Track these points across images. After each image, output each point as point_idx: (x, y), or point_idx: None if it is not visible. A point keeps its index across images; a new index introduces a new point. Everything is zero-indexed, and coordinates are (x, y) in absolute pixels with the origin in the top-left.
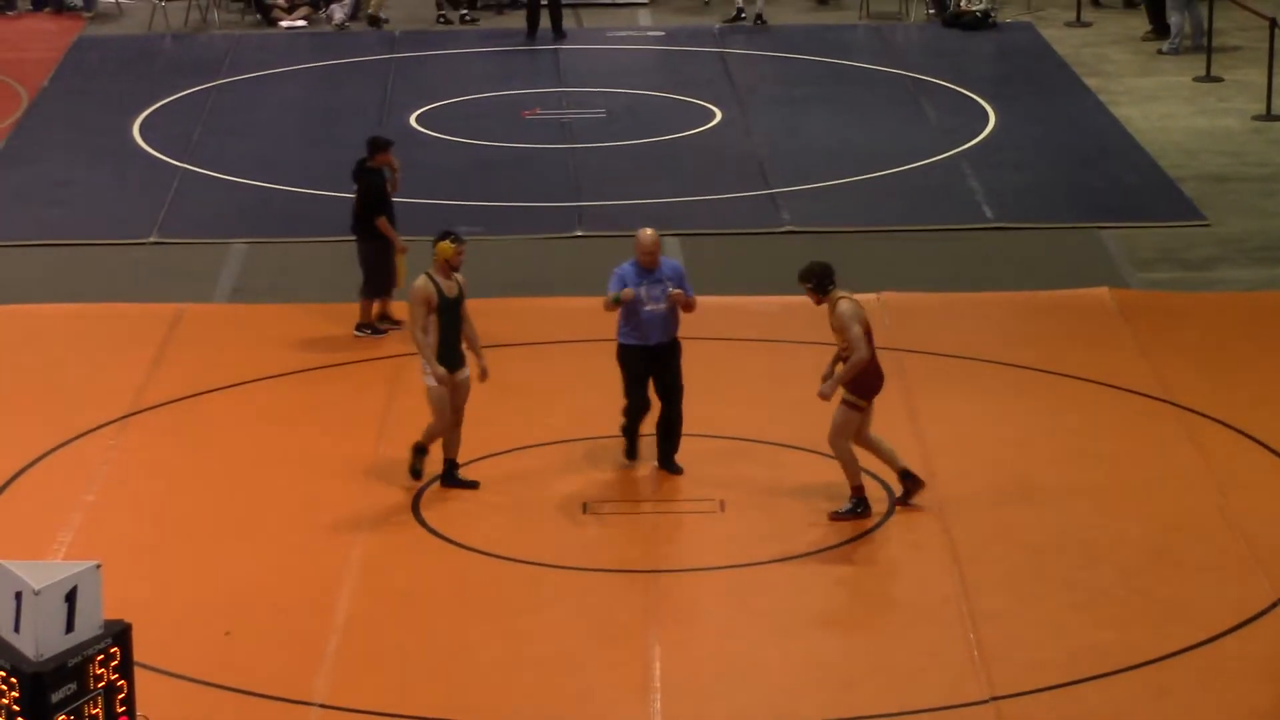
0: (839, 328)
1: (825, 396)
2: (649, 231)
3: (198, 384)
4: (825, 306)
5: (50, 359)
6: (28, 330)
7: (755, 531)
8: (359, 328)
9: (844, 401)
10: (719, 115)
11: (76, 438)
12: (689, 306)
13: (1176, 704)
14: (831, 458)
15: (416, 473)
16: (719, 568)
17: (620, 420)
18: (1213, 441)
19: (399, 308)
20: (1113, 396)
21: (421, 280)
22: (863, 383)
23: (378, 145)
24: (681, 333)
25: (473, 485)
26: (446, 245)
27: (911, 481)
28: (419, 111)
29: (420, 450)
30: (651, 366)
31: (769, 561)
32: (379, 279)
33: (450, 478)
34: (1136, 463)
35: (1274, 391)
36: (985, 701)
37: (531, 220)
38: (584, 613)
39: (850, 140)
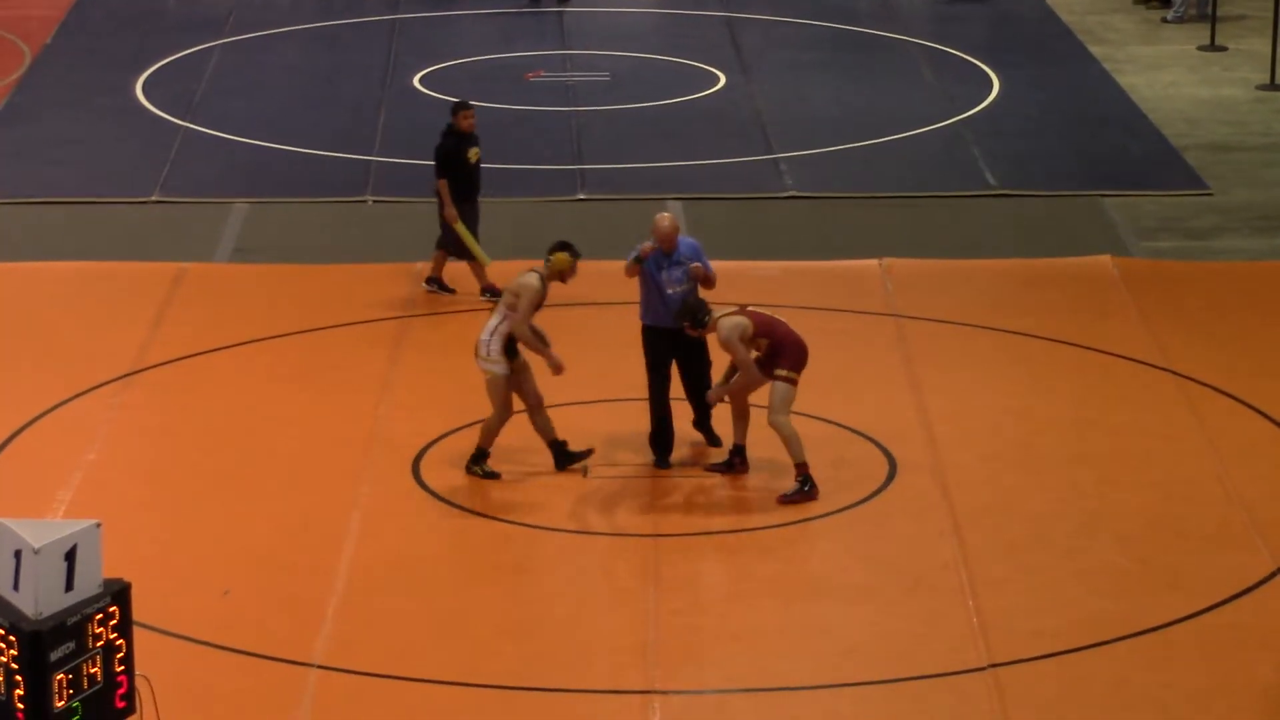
0: (725, 348)
1: (711, 401)
2: (667, 216)
3: (199, 344)
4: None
5: (51, 317)
6: (29, 288)
7: (756, 496)
8: (428, 281)
9: (778, 378)
10: (723, 79)
11: (77, 396)
12: (708, 282)
13: (1175, 673)
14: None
15: (492, 474)
16: (719, 532)
17: (648, 425)
18: (1214, 410)
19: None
20: (1114, 365)
21: (538, 282)
22: (793, 357)
23: (453, 108)
24: None
25: (588, 454)
26: (565, 258)
27: (739, 460)
28: (422, 73)
29: (482, 455)
30: (677, 349)
31: (769, 527)
32: (450, 237)
33: (564, 457)
34: (1137, 431)
35: (1275, 361)
36: (984, 669)
37: (534, 183)
38: (583, 576)
39: (853, 106)
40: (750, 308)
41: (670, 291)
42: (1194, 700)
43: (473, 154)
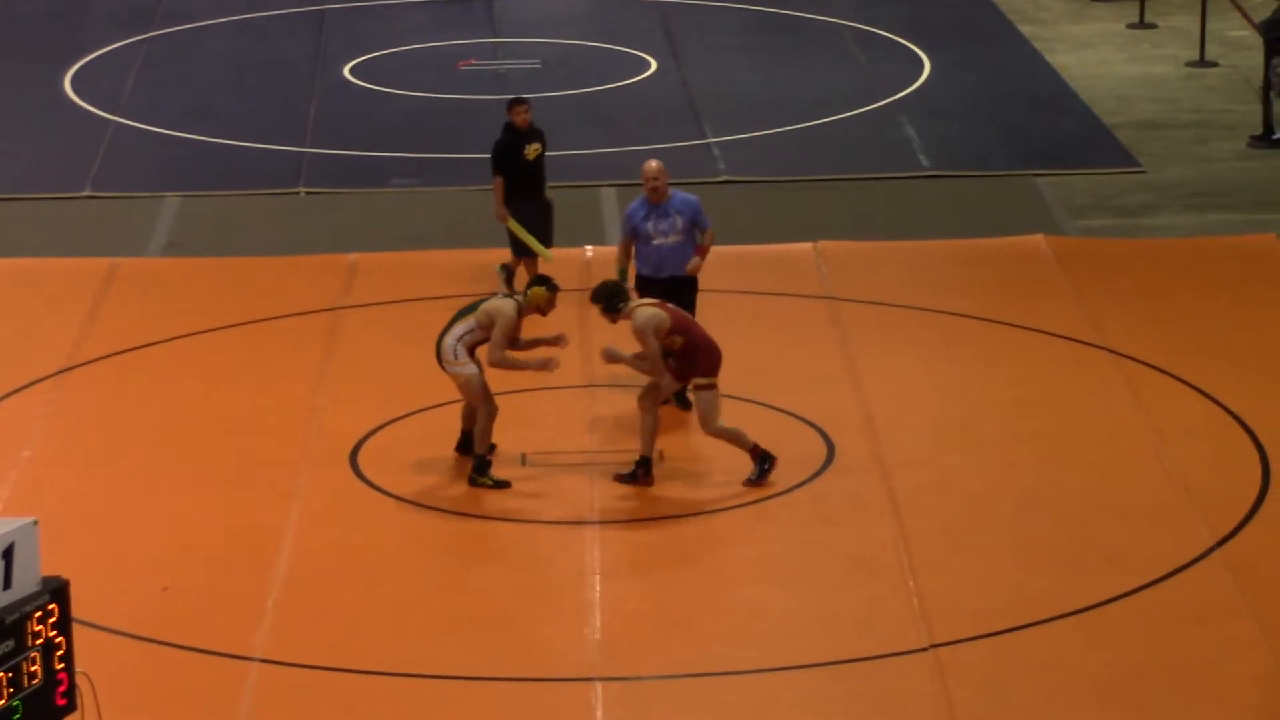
0: (637, 337)
1: (605, 359)
2: (652, 162)
3: (133, 339)
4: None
5: None
6: None
7: (695, 482)
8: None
9: (699, 388)
10: (654, 65)
11: (12, 393)
12: (700, 248)
13: (1114, 650)
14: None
15: (502, 483)
16: (659, 519)
17: None
18: (1150, 387)
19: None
20: (1049, 344)
21: (514, 312)
22: (707, 362)
23: (508, 104)
24: None
25: (502, 483)
26: (542, 292)
27: (643, 472)
28: (353, 63)
29: (484, 464)
30: (667, 299)
31: (709, 512)
32: (513, 239)
33: (482, 465)
34: (1074, 410)
35: (1210, 337)
36: (925, 649)
37: (466, 172)
38: (524, 565)
39: (786, 89)
40: (669, 305)
41: (656, 242)
42: (1133, 677)
43: (530, 150)
